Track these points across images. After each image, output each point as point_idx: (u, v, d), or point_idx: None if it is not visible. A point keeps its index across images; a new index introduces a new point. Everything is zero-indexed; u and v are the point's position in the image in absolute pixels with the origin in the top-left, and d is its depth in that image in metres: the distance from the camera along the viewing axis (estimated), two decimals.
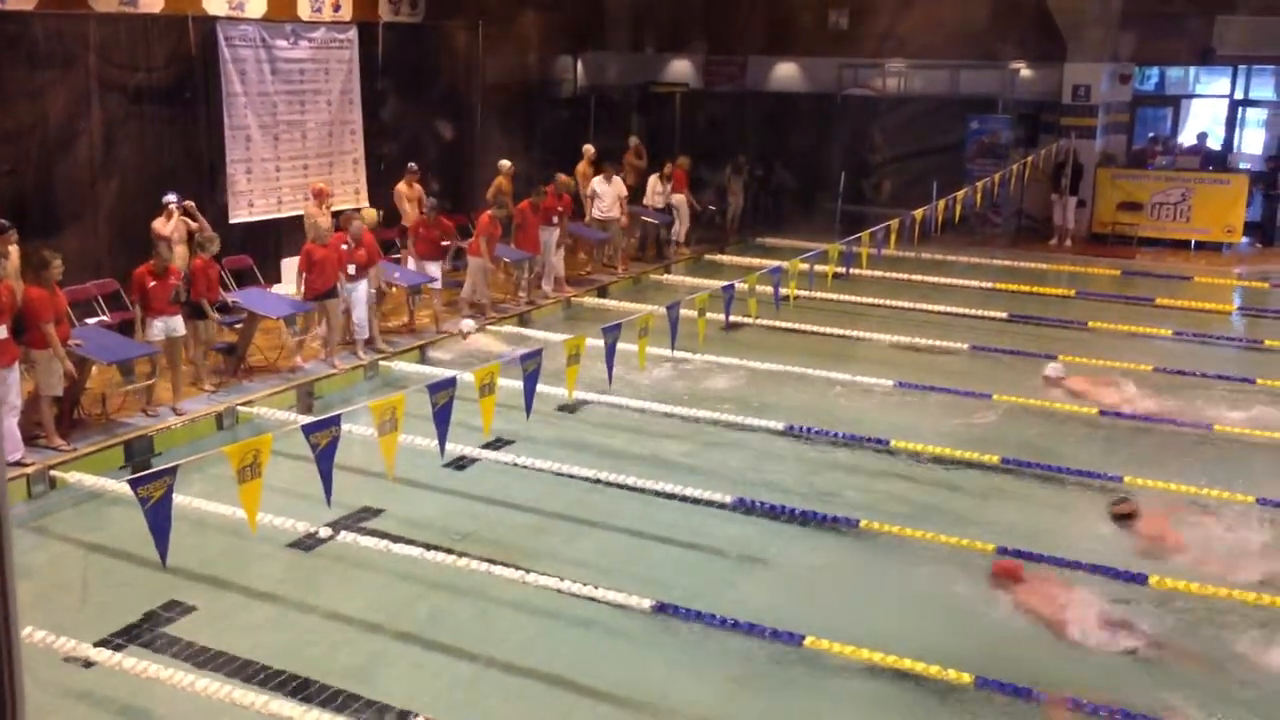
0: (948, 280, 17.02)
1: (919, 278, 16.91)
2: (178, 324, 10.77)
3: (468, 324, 13.78)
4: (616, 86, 22.87)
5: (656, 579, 8.01)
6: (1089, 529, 8.90)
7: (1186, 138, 21.89)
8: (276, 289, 13.99)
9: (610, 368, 9.09)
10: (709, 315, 10.90)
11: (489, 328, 14.13)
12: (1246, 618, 7.56)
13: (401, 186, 15.58)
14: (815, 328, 14.30)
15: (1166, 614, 7.61)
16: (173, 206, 12.26)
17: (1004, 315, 15.26)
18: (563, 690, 6.79)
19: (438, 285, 14.08)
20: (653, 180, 18.42)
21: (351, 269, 12.31)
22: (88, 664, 6.78)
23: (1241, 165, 20.83)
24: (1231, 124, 21.30)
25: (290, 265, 14.29)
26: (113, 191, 13.12)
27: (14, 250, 10.48)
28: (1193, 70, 21.94)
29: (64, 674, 6.69)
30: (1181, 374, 12.79)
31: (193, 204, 12.50)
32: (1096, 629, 7.30)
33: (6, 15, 11.93)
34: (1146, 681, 6.87)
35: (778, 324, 13.78)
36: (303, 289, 12.20)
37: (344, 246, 12.28)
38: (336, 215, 13.70)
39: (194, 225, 12.41)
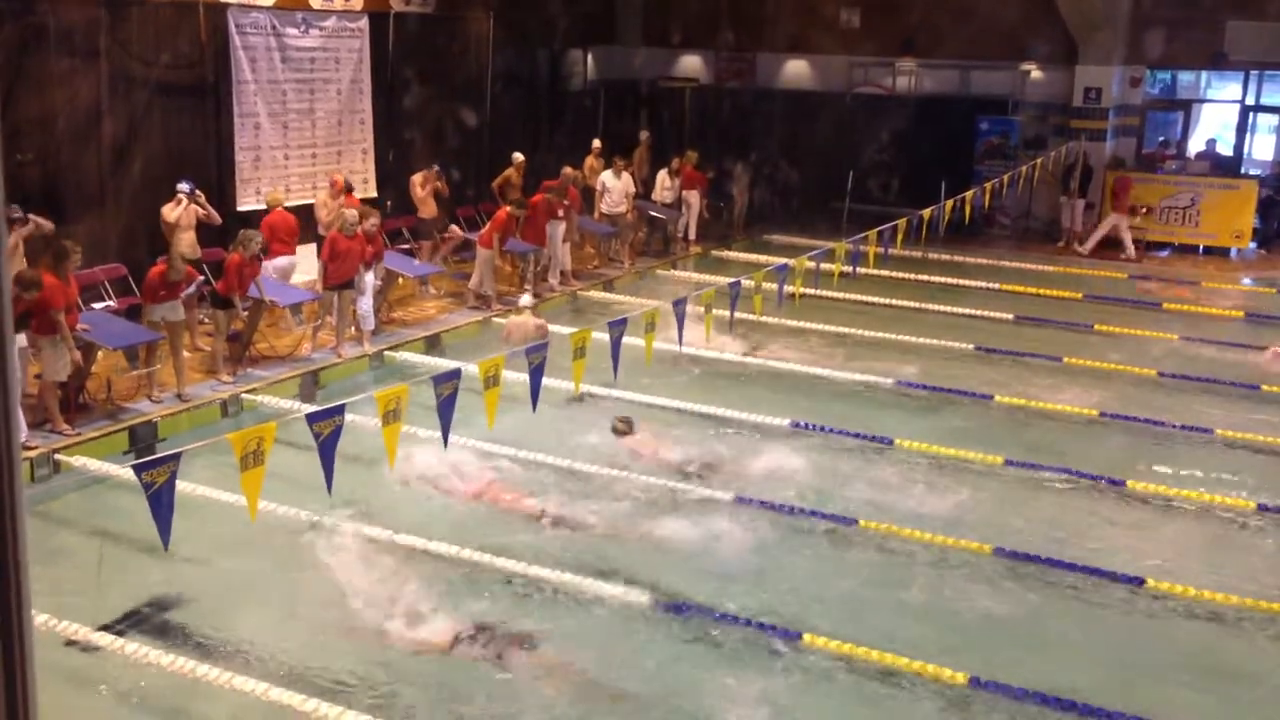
0: (954, 280, 17.02)
1: (926, 277, 16.92)
2: (176, 308, 10.81)
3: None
4: (626, 81, 22.85)
5: (658, 574, 8.03)
6: None
7: (1197, 142, 21.83)
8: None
9: (616, 362, 9.10)
10: (715, 311, 10.90)
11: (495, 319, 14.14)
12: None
13: (418, 178, 15.58)
14: (821, 325, 14.30)
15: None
16: (182, 195, 12.30)
17: (1010, 317, 15.25)
18: (564, 686, 6.81)
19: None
20: (661, 175, 18.41)
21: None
22: (90, 648, 6.81)
23: (1252, 171, 20.78)
24: (1242, 129, 21.23)
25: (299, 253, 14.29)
26: (122, 177, 13.14)
27: (22, 242, 10.54)
28: (1204, 75, 21.87)
29: (66, 658, 6.72)
30: (1186, 379, 12.79)
31: (201, 195, 12.55)
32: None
33: (20, 0, 11.94)
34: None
35: (783, 321, 13.80)
36: (322, 278, 12.29)
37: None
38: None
39: (202, 214, 12.45)
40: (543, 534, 8.65)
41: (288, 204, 14.88)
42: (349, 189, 14.16)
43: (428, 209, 15.60)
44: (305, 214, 14.33)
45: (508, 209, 14.61)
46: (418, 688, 6.70)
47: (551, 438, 10.24)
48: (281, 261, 13.13)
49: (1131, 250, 19.18)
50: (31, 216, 10.60)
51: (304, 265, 13.95)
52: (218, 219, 12.68)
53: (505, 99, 18.99)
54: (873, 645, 7.04)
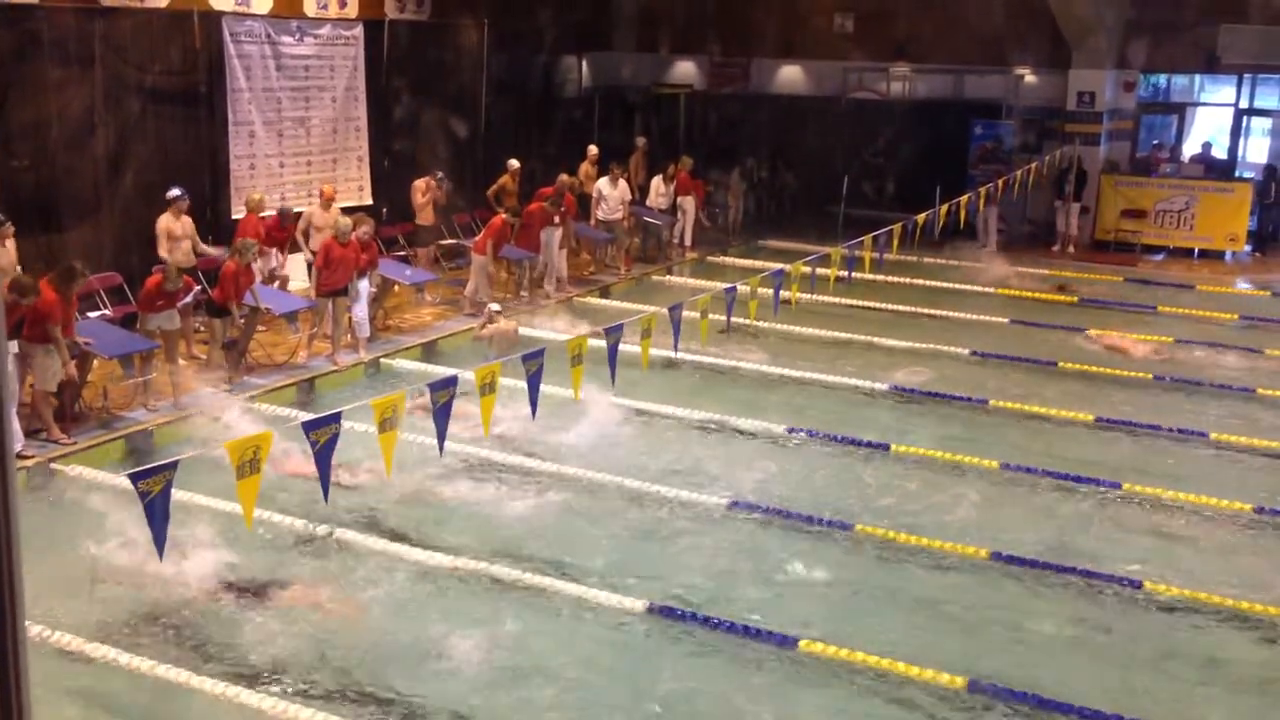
0: (950, 285, 17.05)
1: (921, 282, 16.95)
2: (173, 316, 10.81)
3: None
4: (621, 87, 22.87)
5: (651, 580, 8.03)
6: None
7: (1191, 146, 21.87)
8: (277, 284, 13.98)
9: (613, 368, 9.11)
10: (710, 317, 10.92)
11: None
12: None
13: (420, 184, 15.60)
14: (817, 330, 14.32)
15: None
16: (181, 203, 12.29)
17: (1005, 321, 15.27)
18: (560, 689, 6.80)
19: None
20: (656, 181, 18.42)
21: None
22: (85, 659, 6.79)
23: (1246, 174, 20.81)
24: (1236, 133, 21.28)
25: (290, 262, 14.29)
26: (117, 185, 13.14)
27: (10, 244, 10.53)
28: (1198, 78, 21.92)
29: (62, 669, 6.70)
30: (1184, 382, 12.81)
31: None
32: None
33: (14, 9, 11.95)
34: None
35: (779, 326, 13.80)
36: (315, 285, 12.30)
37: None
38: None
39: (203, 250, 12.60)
40: (539, 538, 8.64)
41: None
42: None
43: (425, 216, 15.62)
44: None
45: (503, 216, 14.63)
46: (417, 695, 6.68)
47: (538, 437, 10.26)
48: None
49: (993, 244, 19.62)
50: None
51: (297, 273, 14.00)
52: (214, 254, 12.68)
53: (500, 106, 19.00)
54: (870, 650, 7.04)
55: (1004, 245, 19.94)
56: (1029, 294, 16.80)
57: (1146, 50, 20.09)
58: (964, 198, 16.91)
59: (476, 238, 14.95)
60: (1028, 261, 18.70)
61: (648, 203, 18.34)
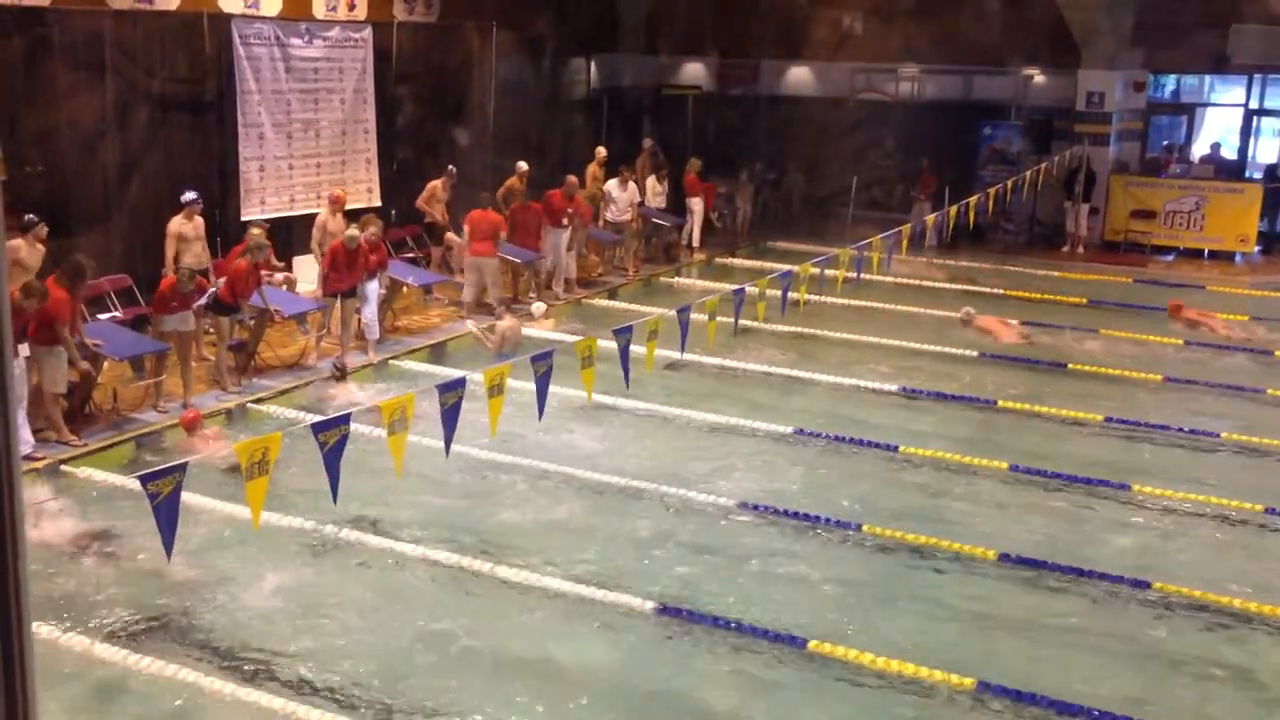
0: (958, 286, 17.01)
1: (930, 283, 16.93)
2: (187, 318, 10.84)
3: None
4: (629, 88, 22.87)
5: (661, 581, 8.03)
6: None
7: (1201, 147, 21.80)
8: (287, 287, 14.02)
9: (626, 370, 9.11)
10: (719, 318, 10.91)
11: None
12: None
13: (437, 184, 15.65)
14: (824, 332, 14.30)
15: None
16: (194, 206, 12.31)
17: (1014, 322, 15.22)
18: (564, 691, 6.80)
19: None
20: (650, 181, 18.43)
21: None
22: (96, 660, 6.80)
23: (1256, 175, 20.75)
24: (1246, 133, 21.21)
25: (300, 263, 14.34)
26: (127, 187, 13.18)
27: (40, 246, 10.58)
28: (1207, 79, 21.85)
29: (71, 670, 6.72)
30: (1192, 384, 12.78)
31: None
32: None
33: (24, 11, 11.99)
34: None
35: (787, 328, 13.79)
36: (321, 285, 12.34)
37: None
38: (348, 215, 13.79)
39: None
40: (545, 538, 8.65)
41: (292, 213, 14.95)
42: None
43: (436, 214, 15.65)
44: (306, 223, 14.37)
45: (492, 212, 14.73)
46: (429, 697, 6.69)
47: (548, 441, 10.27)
48: None
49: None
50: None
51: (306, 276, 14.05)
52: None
53: (508, 108, 19.00)
54: (878, 651, 7.03)
55: (1011, 247, 19.95)
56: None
57: (1156, 50, 20.03)
58: (973, 198, 16.88)
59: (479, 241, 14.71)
60: (1037, 263, 18.68)
61: (644, 202, 18.36)
